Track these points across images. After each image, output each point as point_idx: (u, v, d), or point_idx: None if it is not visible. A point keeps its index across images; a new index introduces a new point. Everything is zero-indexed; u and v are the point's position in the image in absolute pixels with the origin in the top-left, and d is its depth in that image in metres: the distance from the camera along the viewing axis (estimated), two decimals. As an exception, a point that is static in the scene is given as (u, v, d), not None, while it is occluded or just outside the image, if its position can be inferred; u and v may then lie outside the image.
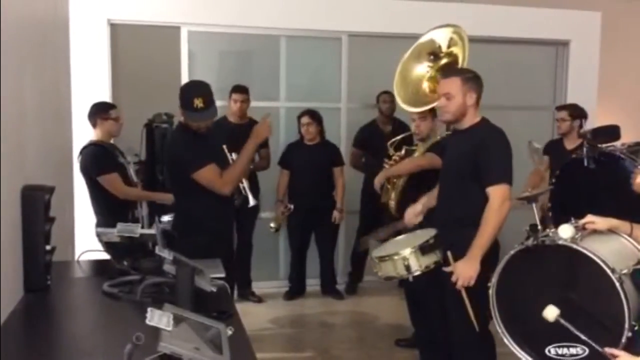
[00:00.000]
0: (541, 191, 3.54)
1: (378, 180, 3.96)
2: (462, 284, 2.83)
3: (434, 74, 3.87)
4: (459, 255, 2.88)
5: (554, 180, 3.97)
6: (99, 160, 3.82)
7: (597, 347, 2.18)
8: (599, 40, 6.03)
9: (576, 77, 6.07)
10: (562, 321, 2.27)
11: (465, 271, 2.82)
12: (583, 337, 2.25)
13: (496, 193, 2.83)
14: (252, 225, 5.17)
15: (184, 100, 3.15)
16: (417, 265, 2.98)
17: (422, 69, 3.93)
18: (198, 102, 3.08)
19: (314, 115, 5.24)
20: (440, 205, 3.15)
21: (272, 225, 5.25)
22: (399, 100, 3.99)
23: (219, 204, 3.23)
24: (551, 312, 2.29)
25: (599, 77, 6.07)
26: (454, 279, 2.84)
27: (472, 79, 3.00)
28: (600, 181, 3.50)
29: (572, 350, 2.42)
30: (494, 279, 2.69)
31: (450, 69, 3.53)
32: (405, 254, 2.98)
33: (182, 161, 3.16)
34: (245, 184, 3.60)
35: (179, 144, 3.24)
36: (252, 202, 3.55)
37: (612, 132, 3.89)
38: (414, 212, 3.37)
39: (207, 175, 3.12)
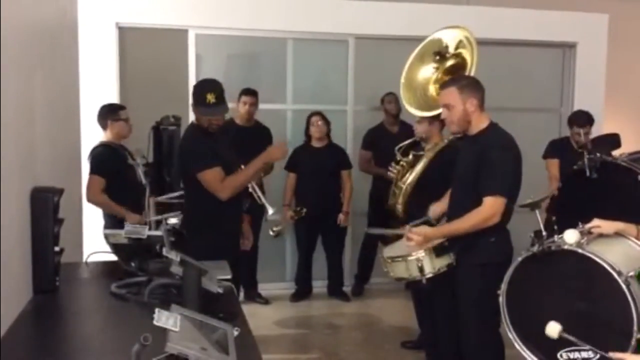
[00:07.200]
0: (544, 197, 3.51)
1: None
2: (410, 238, 2.94)
3: (440, 77, 3.80)
4: (469, 261, 2.93)
5: (556, 192, 3.91)
6: (104, 161, 3.84)
7: (602, 353, 2.18)
8: (606, 42, 6.01)
9: (583, 80, 6.06)
10: (565, 335, 2.27)
11: (424, 232, 2.95)
12: (587, 346, 2.26)
13: (490, 204, 2.81)
14: (257, 228, 5.18)
15: (196, 95, 3.25)
16: (431, 267, 2.93)
17: (428, 72, 3.86)
18: (210, 97, 3.18)
19: (324, 116, 5.28)
20: (451, 211, 3.13)
21: (273, 229, 5.03)
22: (405, 104, 3.97)
23: (228, 203, 3.26)
24: (553, 329, 2.30)
25: (605, 79, 6.05)
26: (412, 232, 2.97)
27: (469, 85, 2.96)
28: (603, 190, 3.47)
29: (584, 354, 2.41)
30: (504, 286, 2.70)
31: (447, 80, 3.46)
32: (419, 255, 2.93)
33: (190, 160, 3.22)
34: (259, 193, 3.54)
35: (190, 143, 3.31)
36: (270, 211, 3.44)
37: (612, 140, 3.84)
38: (439, 209, 3.38)
39: (209, 177, 3.17)
